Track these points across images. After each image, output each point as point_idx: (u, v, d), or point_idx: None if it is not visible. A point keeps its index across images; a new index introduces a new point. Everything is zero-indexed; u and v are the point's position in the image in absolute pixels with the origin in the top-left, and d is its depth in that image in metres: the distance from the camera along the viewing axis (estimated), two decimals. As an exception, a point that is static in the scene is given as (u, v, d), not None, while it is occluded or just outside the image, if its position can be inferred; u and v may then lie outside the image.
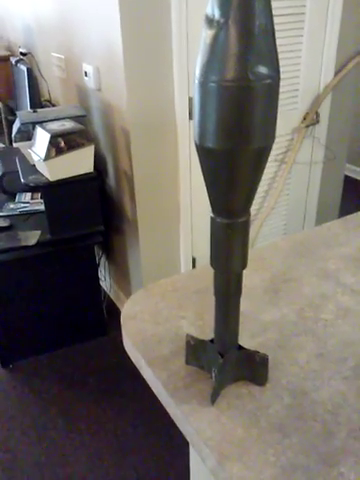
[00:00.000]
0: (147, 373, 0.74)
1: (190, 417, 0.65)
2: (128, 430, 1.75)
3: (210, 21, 0.48)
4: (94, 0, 1.69)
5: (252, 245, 2.14)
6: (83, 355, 2.12)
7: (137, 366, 0.78)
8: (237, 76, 0.47)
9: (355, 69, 2.07)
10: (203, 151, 0.53)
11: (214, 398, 0.66)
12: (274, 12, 1.78)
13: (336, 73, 2.03)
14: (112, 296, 2.48)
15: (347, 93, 2.14)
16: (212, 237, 0.61)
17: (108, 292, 2.51)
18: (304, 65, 1.94)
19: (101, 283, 2.37)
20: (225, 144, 0.51)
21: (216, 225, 0.59)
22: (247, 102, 0.48)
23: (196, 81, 0.50)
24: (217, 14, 0.47)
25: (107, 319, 2.24)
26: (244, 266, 0.62)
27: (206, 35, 0.48)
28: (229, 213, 0.57)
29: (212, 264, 0.63)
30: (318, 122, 2.07)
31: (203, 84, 0.49)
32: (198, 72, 0.50)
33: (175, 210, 1.97)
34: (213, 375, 0.66)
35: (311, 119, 2.04)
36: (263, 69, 0.47)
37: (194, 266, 2.15)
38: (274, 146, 2.02)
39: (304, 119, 2.04)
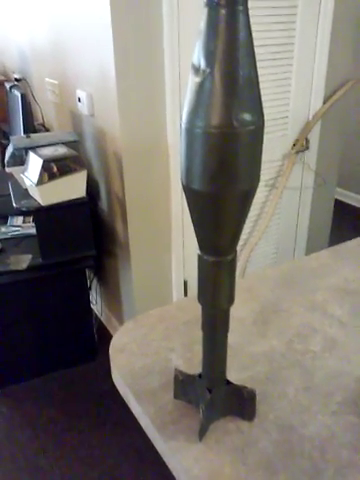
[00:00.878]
0: (135, 407, 0.74)
1: (177, 454, 0.65)
2: (119, 458, 1.72)
3: (196, 69, 0.49)
4: (88, 28, 1.72)
5: (242, 270, 2.15)
6: (73, 380, 2.10)
7: (125, 399, 0.78)
8: (222, 123, 0.48)
9: (344, 97, 2.12)
10: (189, 192, 0.54)
11: (202, 434, 0.66)
12: (265, 42, 1.83)
13: (325, 101, 2.07)
14: (103, 320, 2.47)
15: (336, 120, 2.18)
16: (199, 274, 0.62)
17: (99, 316, 2.50)
18: (294, 93, 1.98)
19: (92, 306, 2.36)
20: (210, 187, 0.52)
21: (203, 262, 0.60)
22: (232, 148, 0.49)
23: (183, 126, 0.52)
24: (203, 63, 0.48)
25: (98, 343, 2.23)
26: (231, 302, 0.62)
27: (192, 83, 0.50)
28: (216, 251, 0.58)
29: (199, 300, 0.63)
30: (308, 148, 2.11)
31: (189, 130, 0.50)
32: (184, 118, 0.51)
33: (167, 233, 1.98)
34: (201, 411, 0.66)
35: (301, 145, 2.07)
36: (247, 116, 0.49)
37: (186, 289, 2.15)
38: (265, 171, 2.05)
39: (294, 145, 2.07)
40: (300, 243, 2.38)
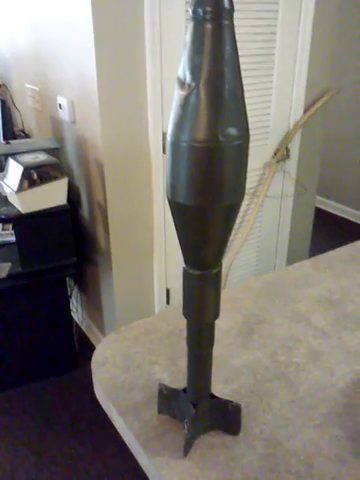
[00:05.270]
0: (118, 422, 0.73)
1: (162, 470, 0.64)
2: (102, 470, 1.69)
3: (182, 83, 0.49)
4: (70, 34, 1.71)
5: (224, 279, 2.15)
6: (54, 390, 2.06)
7: (108, 414, 0.76)
8: (207, 137, 0.48)
9: (323, 106, 2.15)
10: (174, 206, 0.54)
11: (187, 450, 0.65)
12: (246, 52, 1.85)
13: (305, 111, 2.10)
14: (84, 328, 2.43)
15: (316, 129, 2.21)
16: (184, 287, 0.61)
17: (80, 324, 2.47)
18: (274, 103, 2.00)
19: (73, 315, 2.33)
20: (196, 201, 0.51)
21: (188, 276, 0.59)
22: (217, 162, 0.49)
23: (168, 139, 0.51)
24: (188, 77, 0.48)
25: (79, 352, 2.20)
26: (216, 316, 0.62)
27: (178, 96, 0.49)
28: (201, 265, 0.58)
29: (184, 313, 0.63)
30: (288, 157, 2.13)
31: (174, 143, 0.50)
32: (170, 131, 0.50)
33: (149, 241, 1.97)
34: (186, 426, 0.65)
35: (282, 154, 2.09)
36: (233, 131, 0.49)
37: (168, 297, 2.14)
38: (246, 180, 2.06)
39: (275, 154, 2.09)
40: (281, 251, 2.39)
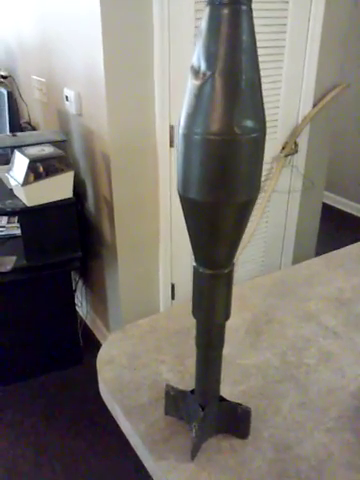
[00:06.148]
0: (124, 424, 0.71)
1: (168, 474, 0.62)
2: (103, 466, 1.69)
3: (196, 72, 0.46)
4: (77, 25, 1.68)
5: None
6: (58, 384, 2.05)
7: (113, 415, 0.75)
8: (222, 129, 0.45)
9: (333, 101, 2.11)
10: (186, 201, 0.51)
11: (194, 454, 0.63)
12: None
13: (314, 105, 2.06)
14: (88, 323, 2.42)
15: (325, 124, 2.17)
16: (194, 287, 0.58)
17: (84, 318, 2.45)
18: (283, 96, 1.97)
19: (77, 309, 2.31)
20: (208, 196, 0.49)
21: (199, 275, 0.57)
22: (232, 156, 0.46)
23: (180, 131, 0.49)
24: (203, 66, 0.45)
25: (83, 347, 2.18)
26: (227, 317, 0.60)
27: (191, 86, 0.47)
28: (212, 264, 0.55)
29: (194, 314, 0.60)
30: (297, 152, 2.09)
31: (187, 136, 0.47)
32: (182, 123, 0.48)
33: (155, 236, 1.95)
34: (193, 429, 0.63)
35: (290, 149, 2.06)
36: (249, 123, 0.46)
37: (173, 292, 2.12)
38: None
39: (283, 149, 2.05)
40: (288, 246, 2.37)
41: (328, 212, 3.68)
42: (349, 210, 3.80)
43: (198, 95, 0.46)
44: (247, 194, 0.50)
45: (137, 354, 0.80)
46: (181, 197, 0.52)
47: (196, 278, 0.57)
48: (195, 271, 0.57)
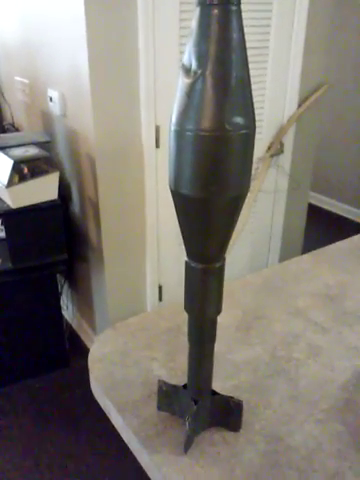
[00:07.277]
0: (116, 420, 0.71)
1: (163, 467, 0.62)
2: (95, 468, 1.68)
3: (187, 70, 0.47)
4: (61, 25, 1.68)
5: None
6: (45, 388, 2.03)
7: (105, 411, 0.75)
8: (214, 126, 0.46)
9: (317, 101, 2.14)
10: (178, 197, 0.52)
11: (187, 447, 0.64)
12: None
13: (299, 104, 2.09)
14: (75, 326, 2.41)
15: (310, 124, 2.20)
16: (186, 281, 0.59)
17: (70, 321, 2.44)
18: (268, 97, 1.99)
19: (63, 312, 2.30)
20: (200, 192, 0.50)
21: (190, 270, 0.58)
22: (223, 152, 0.48)
23: (172, 128, 0.50)
24: (194, 65, 0.46)
25: (69, 349, 2.17)
26: (219, 311, 0.61)
27: (183, 84, 0.48)
28: (204, 258, 0.56)
29: (186, 308, 0.61)
30: (282, 152, 2.12)
31: (179, 132, 0.48)
32: (174, 120, 0.49)
33: (141, 237, 1.95)
34: (186, 423, 0.64)
35: (275, 149, 2.08)
36: (240, 120, 0.47)
37: (160, 294, 2.12)
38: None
39: (269, 149, 2.08)
40: (274, 246, 2.39)
41: (315, 213, 3.73)
42: (337, 212, 3.85)
43: (189, 93, 0.47)
44: (238, 190, 0.51)
45: (128, 352, 0.80)
46: (173, 193, 0.53)
47: (188, 273, 0.58)
48: (187, 266, 0.58)
